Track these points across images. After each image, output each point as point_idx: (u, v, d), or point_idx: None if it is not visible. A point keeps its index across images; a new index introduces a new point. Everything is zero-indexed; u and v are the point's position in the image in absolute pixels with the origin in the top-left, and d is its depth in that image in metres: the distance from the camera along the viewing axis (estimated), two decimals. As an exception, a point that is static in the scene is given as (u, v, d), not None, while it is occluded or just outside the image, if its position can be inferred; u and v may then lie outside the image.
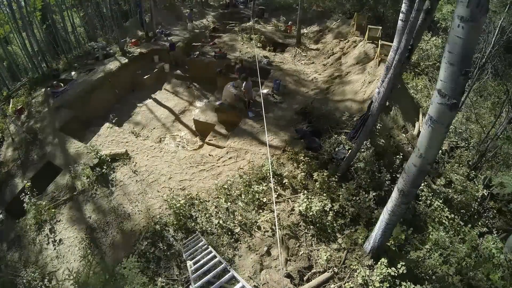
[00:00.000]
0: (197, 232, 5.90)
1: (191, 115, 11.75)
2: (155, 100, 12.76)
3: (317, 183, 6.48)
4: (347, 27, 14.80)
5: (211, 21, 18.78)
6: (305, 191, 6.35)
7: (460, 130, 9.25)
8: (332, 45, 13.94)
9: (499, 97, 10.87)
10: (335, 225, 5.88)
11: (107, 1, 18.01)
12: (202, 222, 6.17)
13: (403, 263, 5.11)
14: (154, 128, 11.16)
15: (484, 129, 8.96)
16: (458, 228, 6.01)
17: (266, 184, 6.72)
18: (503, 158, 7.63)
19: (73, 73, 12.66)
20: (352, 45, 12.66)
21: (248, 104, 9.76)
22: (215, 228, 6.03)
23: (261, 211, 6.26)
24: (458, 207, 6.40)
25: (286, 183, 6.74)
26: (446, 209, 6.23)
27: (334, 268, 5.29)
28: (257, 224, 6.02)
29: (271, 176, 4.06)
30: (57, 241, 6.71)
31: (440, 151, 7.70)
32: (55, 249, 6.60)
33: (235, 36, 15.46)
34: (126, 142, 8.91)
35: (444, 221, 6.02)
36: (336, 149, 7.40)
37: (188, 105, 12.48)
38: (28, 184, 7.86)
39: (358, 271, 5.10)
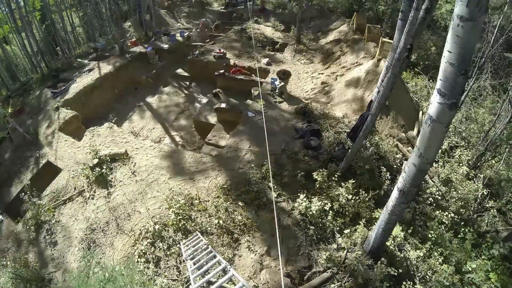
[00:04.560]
0: (197, 232, 5.90)
1: (190, 115, 11.74)
2: (155, 100, 12.75)
3: (317, 182, 6.48)
4: (346, 26, 14.79)
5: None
6: (305, 191, 6.35)
7: (459, 130, 9.25)
8: (332, 45, 13.93)
9: (498, 96, 10.86)
10: (335, 224, 5.88)
11: (106, 1, 18.01)
12: (202, 222, 6.17)
13: (403, 263, 5.12)
14: (153, 128, 11.16)
15: (484, 128, 8.96)
16: (458, 228, 6.02)
17: (266, 183, 6.72)
18: (504, 157, 7.63)
19: (73, 73, 12.63)
20: (351, 45, 12.65)
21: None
22: (215, 228, 6.02)
23: (261, 211, 6.26)
24: (458, 207, 6.40)
25: (286, 183, 6.74)
26: (446, 208, 6.24)
27: (334, 267, 5.29)
28: (257, 224, 6.02)
29: (271, 176, 4.05)
30: (57, 241, 6.71)
31: (440, 150, 7.70)
32: (54, 249, 6.60)
33: (235, 36, 15.44)
34: (126, 142, 8.90)
35: (444, 220, 6.03)
36: (336, 148, 7.40)
37: (188, 105, 12.47)
38: (28, 184, 7.86)
39: (358, 270, 5.10)
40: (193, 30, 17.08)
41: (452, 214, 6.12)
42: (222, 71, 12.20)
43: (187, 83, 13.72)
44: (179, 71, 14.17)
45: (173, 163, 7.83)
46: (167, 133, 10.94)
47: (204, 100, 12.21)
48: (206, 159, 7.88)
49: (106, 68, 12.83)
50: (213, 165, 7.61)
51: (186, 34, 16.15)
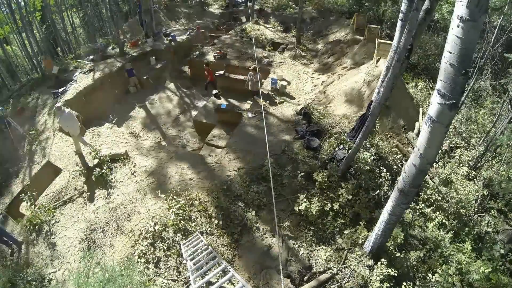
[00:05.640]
0: (197, 232, 5.90)
1: (191, 115, 11.75)
2: (155, 101, 12.75)
3: (317, 183, 6.48)
4: (347, 27, 14.81)
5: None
6: (305, 191, 6.34)
7: (460, 130, 9.25)
8: (332, 45, 13.95)
9: (499, 97, 10.87)
10: (335, 225, 5.88)
11: (106, 1, 18.03)
12: (202, 222, 6.16)
13: (403, 263, 5.11)
14: (153, 129, 11.15)
15: (484, 128, 8.97)
16: (458, 228, 6.02)
17: (266, 184, 6.72)
18: (504, 158, 7.63)
19: (73, 74, 12.65)
20: (351, 45, 12.67)
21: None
22: (215, 228, 6.02)
23: (261, 211, 6.26)
24: (458, 207, 6.39)
25: (286, 184, 6.74)
26: (446, 209, 6.23)
27: (334, 268, 5.29)
28: (257, 225, 6.02)
29: (271, 176, 4.05)
30: (57, 241, 6.70)
31: (440, 151, 7.70)
32: (54, 249, 6.60)
33: (235, 36, 15.46)
34: (126, 142, 8.90)
35: (444, 221, 6.02)
36: (336, 149, 7.40)
37: (188, 105, 12.47)
38: (28, 184, 7.86)
39: (358, 271, 5.09)
40: (193, 31, 17.10)
41: (453, 215, 6.12)
42: (222, 71, 12.20)
43: (188, 84, 13.72)
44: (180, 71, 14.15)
45: (174, 164, 7.84)
46: (167, 134, 10.95)
47: (202, 103, 12.20)
48: (207, 159, 7.89)
49: (106, 68, 12.84)
50: (214, 165, 7.62)
51: (186, 35, 16.17)
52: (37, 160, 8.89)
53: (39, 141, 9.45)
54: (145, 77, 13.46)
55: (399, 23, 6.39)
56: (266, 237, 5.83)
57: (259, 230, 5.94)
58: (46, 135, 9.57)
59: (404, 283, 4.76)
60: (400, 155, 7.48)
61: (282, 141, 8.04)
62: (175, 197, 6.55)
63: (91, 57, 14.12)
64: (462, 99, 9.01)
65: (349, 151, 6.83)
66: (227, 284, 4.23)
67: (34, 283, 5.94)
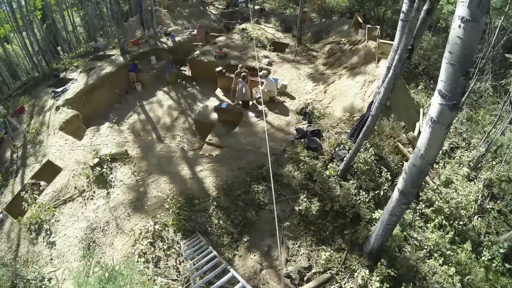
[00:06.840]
0: (197, 232, 5.90)
1: (191, 114, 11.75)
2: (155, 100, 12.76)
3: (317, 183, 6.47)
4: (347, 27, 14.79)
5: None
6: (305, 191, 6.34)
7: (460, 131, 9.24)
8: (333, 45, 13.91)
9: (499, 97, 10.86)
10: (335, 225, 5.88)
11: (107, 0, 18.01)
12: (202, 222, 6.17)
13: (403, 264, 5.11)
14: (154, 128, 11.16)
15: (484, 129, 8.97)
16: (458, 229, 6.01)
17: (266, 184, 6.72)
18: (504, 159, 7.63)
19: (74, 73, 12.65)
20: (352, 45, 12.63)
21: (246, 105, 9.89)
22: (215, 228, 6.02)
23: (261, 211, 6.26)
24: (459, 208, 6.39)
25: (286, 183, 6.74)
26: (446, 209, 6.23)
27: (334, 268, 5.28)
28: (257, 225, 6.01)
29: (271, 176, 4.05)
30: (57, 240, 6.70)
31: (441, 151, 7.69)
32: (54, 248, 6.60)
33: (236, 36, 15.44)
34: (126, 141, 8.90)
35: (444, 221, 6.02)
36: (336, 149, 7.40)
37: (188, 105, 12.48)
38: (29, 183, 7.85)
39: (358, 271, 5.09)
40: (193, 30, 17.11)
41: (453, 216, 6.11)
42: (221, 68, 12.21)
43: (188, 83, 13.71)
44: (179, 71, 14.14)
45: (174, 163, 7.84)
46: (167, 133, 10.94)
47: (202, 103, 12.18)
48: (207, 159, 7.89)
49: (107, 67, 12.84)
50: (214, 165, 7.61)
51: (187, 34, 16.17)
52: (37, 159, 8.89)
53: (39, 140, 9.44)
54: (143, 74, 13.47)
55: (400, 23, 6.37)
56: (266, 237, 5.83)
57: (259, 230, 5.94)
58: (46, 134, 9.57)
59: (404, 284, 4.76)
60: (400, 155, 7.48)
61: (283, 141, 8.03)
62: (175, 196, 6.55)
63: (92, 56, 14.12)
64: (463, 99, 9.00)
65: (350, 151, 6.82)
66: (227, 284, 4.22)
67: (34, 282, 5.94)
